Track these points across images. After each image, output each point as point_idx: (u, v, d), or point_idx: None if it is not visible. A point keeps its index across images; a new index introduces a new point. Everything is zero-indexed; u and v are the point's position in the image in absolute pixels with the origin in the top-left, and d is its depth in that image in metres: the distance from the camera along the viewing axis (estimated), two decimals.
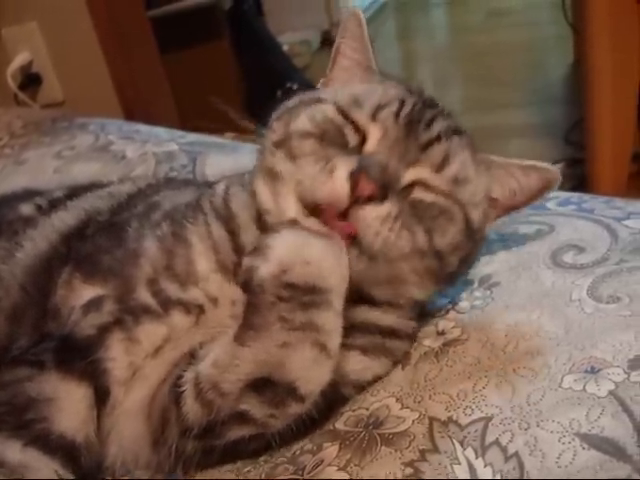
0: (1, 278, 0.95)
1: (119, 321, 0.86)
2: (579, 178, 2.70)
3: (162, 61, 2.76)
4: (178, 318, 0.88)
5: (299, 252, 0.75)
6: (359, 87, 0.92)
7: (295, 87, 3.66)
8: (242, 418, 0.79)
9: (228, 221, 0.93)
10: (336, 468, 0.79)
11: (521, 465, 0.71)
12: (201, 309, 0.88)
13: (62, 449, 0.79)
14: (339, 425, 0.85)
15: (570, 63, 3.89)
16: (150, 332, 0.87)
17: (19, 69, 2.59)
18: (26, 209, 1.08)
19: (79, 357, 0.84)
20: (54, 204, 1.07)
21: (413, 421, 0.81)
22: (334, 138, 0.86)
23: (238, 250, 0.89)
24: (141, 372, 0.86)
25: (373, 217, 0.79)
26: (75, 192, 1.11)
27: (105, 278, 0.89)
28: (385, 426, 0.82)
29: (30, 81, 2.61)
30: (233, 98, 3.53)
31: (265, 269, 0.75)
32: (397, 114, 0.86)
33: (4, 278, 0.95)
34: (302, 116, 0.89)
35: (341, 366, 0.83)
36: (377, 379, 0.89)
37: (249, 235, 0.90)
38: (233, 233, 0.92)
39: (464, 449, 0.75)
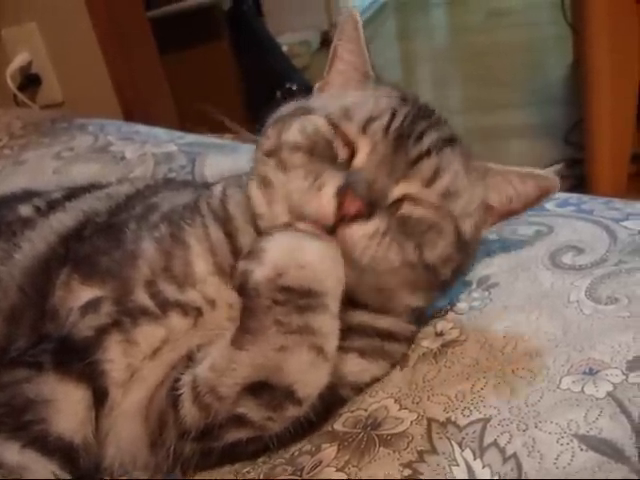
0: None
1: (117, 323, 0.86)
2: (578, 178, 2.71)
3: (161, 62, 2.75)
4: (176, 320, 0.88)
5: (294, 255, 0.75)
6: (351, 97, 0.91)
7: (294, 88, 3.67)
8: (240, 421, 0.79)
9: (225, 223, 0.93)
10: (334, 469, 0.79)
11: (519, 466, 0.71)
12: (199, 311, 0.88)
13: (60, 450, 0.79)
14: (338, 426, 0.85)
15: (569, 63, 3.89)
16: (148, 334, 0.87)
17: (18, 70, 2.58)
18: (25, 210, 1.07)
19: (77, 358, 0.84)
20: (52, 205, 1.07)
21: (411, 422, 0.81)
22: (323, 152, 0.85)
23: (236, 252, 0.89)
24: (139, 374, 0.86)
25: (360, 235, 0.79)
26: (73, 193, 1.11)
27: (103, 279, 0.89)
28: (383, 427, 0.82)
29: (29, 82, 2.61)
30: (232, 99, 3.53)
31: (260, 273, 0.75)
32: (387, 128, 0.85)
33: (2, 279, 0.95)
34: (293, 127, 0.88)
35: (339, 368, 0.83)
36: (375, 381, 0.89)
37: (247, 237, 0.90)
38: (231, 235, 0.92)
39: (462, 450, 0.75)
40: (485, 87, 3.98)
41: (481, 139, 3.37)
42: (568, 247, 0.99)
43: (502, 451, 0.73)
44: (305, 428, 0.82)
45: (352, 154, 0.85)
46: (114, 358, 0.85)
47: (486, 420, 0.77)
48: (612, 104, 2.42)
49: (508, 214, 0.94)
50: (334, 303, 0.76)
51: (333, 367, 0.78)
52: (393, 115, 0.86)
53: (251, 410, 0.77)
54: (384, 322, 0.90)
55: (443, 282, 0.90)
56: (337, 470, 0.79)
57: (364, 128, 0.85)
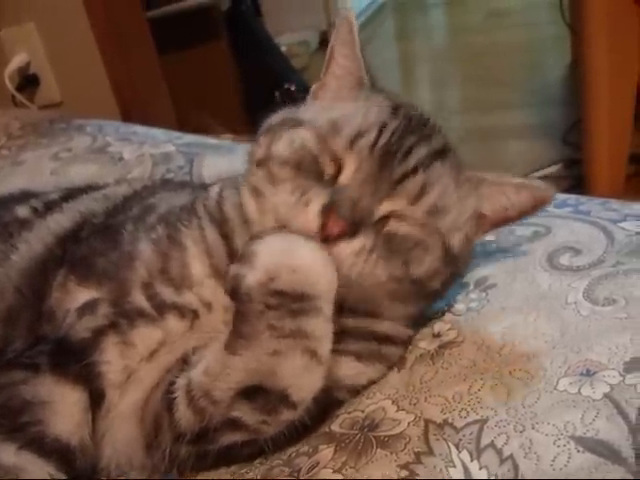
0: None
1: (114, 324, 0.86)
2: (576, 179, 2.71)
3: (160, 62, 2.75)
4: (173, 322, 0.88)
5: (285, 258, 0.75)
6: (340, 109, 0.89)
7: (293, 88, 3.66)
8: (234, 424, 0.79)
9: (222, 225, 0.93)
10: (331, 470, 0.79)
11: (516, 468, 0.71)
12: (195, 314, 0.88)
13: (57, 452, 0.79)
14: (335, 427, 0.85)
15: (568, 64, 3.89)
16: (145, 336, 0.87)
17: (17, 70, 2.58)
18: (22, 211, 1.07)
19: (74, 360, 0.84)
20: (49, 206, 1.07)
21: (408, 423, 0.81)
22: (310, 167, 0.85)
23: (232, 254, 0.89)
24: (135, 375, 0.86)
25: (346, 253, 0.80)
26: (71, 194, 1.11)
27: (100, 281, 0.89)
28: (381, 428, 0.82)
29: (28, 82, 2.61)
30: (231, 99, 3.54)
31: (252, 277, 0.75)
32: (373, 145, 0.84)
33: None
34: (282, 140, 0.88)
35: (335, 372, 0.84)
36: (372, 383, 0.89)
37: (243, 239, 0.89)
38: (227, 237, 0.92)
39: (459, 452, 0.75)
40: (484, 87, 3.98)
41: (480, 139, 3.38)
42: (565, 248, 0.99)
43: (499, 452, 0.73)
44: (300, 431, 0.82)
45: (339, 170, 0.84)
46: (111, 360, 0.85)
47: (483, 421, 0.77)
48: (610, 104, 2.43)
49: (502, 222, 0.93)
50: (327, 306, 0.76)
51: (329, 370, 0.79)
52: (381, 130, 0.85)
53: (245, 414, 0.78)
54: (381, 326, 0.90)
55: (434, 291, 0.90)
56: (334, 471, 0.79)
57: (351, 144, 0.84)
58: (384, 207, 0.83)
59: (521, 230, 1.05)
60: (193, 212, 0.95)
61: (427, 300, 0.92)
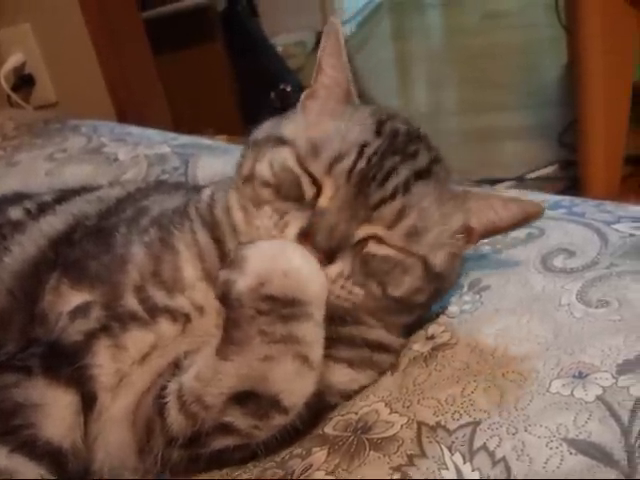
0: None
1: (106, 327, 0.86)
2: (572, 180, 2.72)
3: (156, 63, 2.76)
4: (165, 326, 0.88)
5: (276, 263, 0.75)
6: (322, 128, 0.88)
7: (288, 89, 3.66)
8: (226, 429, 0.79)
9: (213, 228, 0.93)
10: (324, 472, 0.79)
11: (508, 470, 0.71)
12: (187, 318, 0.88)
13: (49, 455, 0.79)
14: (328, 430, 0.85)
15: (564, 65, 3.89)
16: (137, 339, 0.87)
17: (12, 70, 2.59)
18: (15, 213, 1.07)
19: (66, 363, 0.84)
20: (42, 208, 1.07)
21: (402, 426, 0.81)
22: (291, 189, 0.85)
23: (224, 257, 0.89)
24: (128, 379, 0.86)
25: None
26: (64, 196, 1.11)
27: (92, 284, 0.89)
28: (374, 431, 0.82)
29: (23, 82, 2.62)
30: (226, 100, 3.53)
31: (242, 283, 0.75)
32: (351, 170, 0.83)
33: None
34: (264, 160, 0.88)
35: (327, 378, 0.84)
36: (363, 389, 0.89)
37: (234, 242, 0.90)
38: (219, 240, 0.92)
39: (452, 454, 0.75)
40: (480, 89, 3.98)
41: (476, 140, 3.38)
42: (559, 250, 0.99)
43: (491, 455, 0.73)
44: (293, 435, 0.82)
45: (319, 192, 0.84)
46: (103, 363, 0.85)
47: (476, 424, 0.77)
48: (605, 106, 2.43)
49: (490, 234, 0.93)
50: (318, 311, 0.77)
51: (321, 376, 0.79)
52: (361, 153, 0.84)
53: (237, 419, 0.78)
54: (373, 333, 0.90)
55: (420, 305, 0.90)
56: (327, 474, 0.79)
57: (329, 168, 0.84)
58: (362, 231, 0.83)
59: (515, 232, 1.04)
60: (185, 215, 0.95)
61: (413, 313, 0.92)
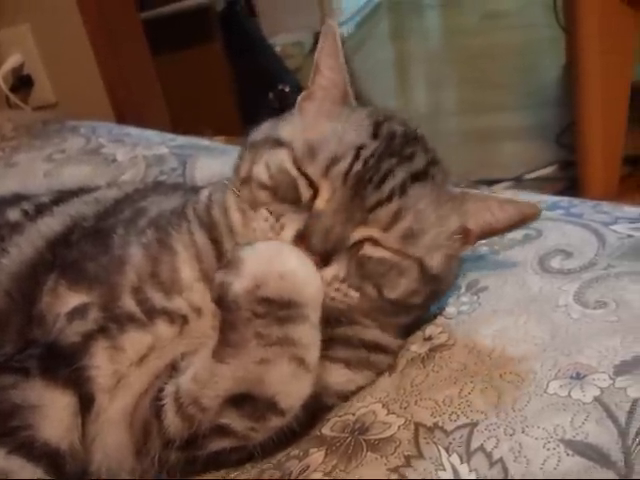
0: None
1: (104, 329, 0.86)
2: (571, 180, 2.72)
3: (155, 63, 2.75)
4: (162, 327, 0.88)
5: (272, 265, 0.75)
6: (319, 130, 0.88)
7: (287, 89, 3.66)
8: (223, 431, 0.79)
9: (211, 229, 0.93)
10: (322, 473, 0.79)
11: (506, 471, 0.71)
12: (185, 319, 0.88)
13: (46, 456, 0.79)
14: (325, 431, 0.85)
15: (562, 66, 3.89)
16: (135, 340, 0.87)
17: (10, 71, 2.58)
18: (13, 214, 1.07)
19: (64, 364, 0.84)
20: (40, 209, 1.07)
21: (399, 427, 0.81)
22: (287, 192, 0.85)
23: (221, 258, 0.89)
24: (125, 380, 0.86)
25: None
26: (61, 197, 1.11)
27: (90, 285, 0.89)
28: (371, 432, 0.82)
29: (22, 83, 2.61)
30: (225, 100, 3.53)
31: (239, 285, 0.75)
32: (347, 172, 0.83)
33: None
34: (261, 162, 0.88)
35: (324, 378, 0.84)
36: (360, 389, 0.89)
37: (232, 243, 0.90)
38: (216, 241, 0.92)
39: (449, 455, 0.75)
40: (479, 89, 3.98)
41: (475, 141, 3.38)
42: (557, 251, 0.99)
43: (489, 456, 0.73)
44: (289, 436, 0.82)
45: (316, 194, 0.84)
46: (100, 364, 0.85)
47: (473, 425, 0.77)
48: (604, 106, 2.43)
49: (487, 236, 0.93)
50: (314, 313, 0.77)
51: (318, 377, 0.79)
52: (357, 155, 0.84)
53: (234, 421, 0.78)
54: (370, 333, 0.90)
55: (418, 306, 0.90)
56: (324, 475, 0.79)
57: (326, 170, 0.84)
58: (358, 233, 0.83)
59: (512, 233, 1.04)
60: (183, 216, 0.95)
61: (410, 315, 0.92)
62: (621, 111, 2.46)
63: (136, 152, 1.68)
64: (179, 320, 0.88)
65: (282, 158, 0.87)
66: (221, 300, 0.76)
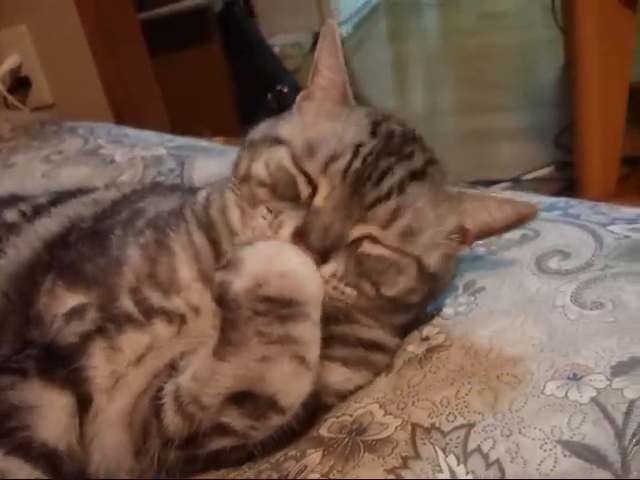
0: None
1: (101, 329, 0.86)
2: (569, 181, 2.72)
3: (153, 64, 2.75)
4: (160, 327, 0.88)
5: (273, 264, 0.75)
6: (318, 129, 0.88)
7: (285, 90, 3.67)
8: (223, 430, 0.79)
9: (209, 230, 0.93)
10: (319, 474, 0.79)
11: (502, 472, 0.71)
12: (183, 319, 0.88)
13: (44, 457, 0.79)
14: (323, 431, 0.85)
15: (560, 66, 3.90)
16: (133, 341, 0.87)
17: (8, 72, 2.58)
18: (10, 215, 1.07)
19: (61, 365, 0.84)
20: (38, 210, 1.07)
21: (396, 427, 0.81)
22: (286, 189, 0.85)
23: (219, 259, 0.89)
24: (123, 380, 0.86)
25: None
26: (59, 198, 1.11)
27: (88, 286, 0.89)
28: (368, 432, 0.82)
29: (20, 84, 2.61)
30: (223, 101, 3.53)
31: (239, 284, 0.75)
32: (346, 170, 0.83)
33: None
34: (260, 160, 0.88)
35: (323, 377, 0.84)
36: (358, 389, 0.90)
37: (230, 244, 0.90)
38: (214, 242, 0.92)
39: (446, 456, 0.75)
40: (477, 89, 3.98)
41: (472, 141, 3.39)
42: (554, 251, 1.00)
43: (485, 457, 0.73)
44: (289, 435, 0.82)
45: (315, 191, 0.85)
46: (98, 365, 0.85)
47: (470, 426, 0.77)
48: (602, 107, 2.44)
49: (485, 236, 0.93)
50: (315, 312, 0.77)
51: (317, 376, 0.79)
52: (356, 153, 0.84)
53: (234, 419, 0.78)
54: (367, 332, 0.90)
55: (414, 305, 0.91)
56: (322, 475, 0.79)
57: (325, 168, 0.84)
58: (357, 230, 0.84)
59: (510, 233, 1.05)
60: (181, 217, 0.95)
61: (407, 312, 0.92)
62: (619, 112, 2.46)
63: (134, 153, 1.68)
64: (177, 320, 0.88)
65: (281, 156, 0.87)
66: (221, 299, 0.76)
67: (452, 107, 4.27)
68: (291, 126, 0.92)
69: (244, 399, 0.76)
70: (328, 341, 0.81)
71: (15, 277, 0.95)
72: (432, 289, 0.90)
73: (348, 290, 0.83)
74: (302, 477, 0.80)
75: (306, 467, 0.81)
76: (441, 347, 0.90)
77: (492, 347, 0.86)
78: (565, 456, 0.70)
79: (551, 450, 0.71)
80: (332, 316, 0.84)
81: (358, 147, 0.85)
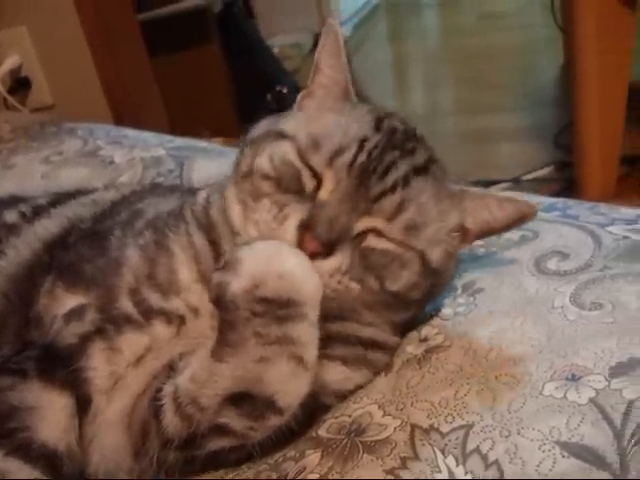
0: None
1: (101, 330, 0.86)
2: (568, 181, 2.72)
3: (152, 65, 2.76)
4: (160, 328, 0.88)
5: (271, 265, 0.75)
6: (322, 123, 0.89)
7: (285, 90, 3.67)
8: (222, 430, 0.79)
9: (209, 230, 0.93)
10: (318, 475, 0.79)
11: (501, 473, 0.71)
12: (182, 320, 0.88)
13: (44, 458, 0.79)
14: (322, 432, 0.85)
15: (560, 66, 3.90)
16: (132, 341, 0.87)
17: (8, 73, 2.58)
18: (10, 216, 1.07)
19: (61, 366, 0.83)
20: (38, 211, 1.07)
21: (395, 428, 0.81)
22: (290, 183, 0.86)
23: (219, 260, 0.89)
24: (123, 381, 0.86)
25: (320, 272, 0.80)
26: (59, 199, 1.11)
27: (87, 287, 0.89)
28: (367, 433, 0.82)
29: (19, 85, 2.61)
30: (223, 101, 3.53)
31: (237, 284, 0.75)
32: (352, 163, 0.84)
33: None
34: (264, 154, 0.88)
35: (321, 376, 0.84)
36: (358, 388, 0.89)
37: (230, 244, 0.90)
38: (214, 243, 0.92)
39: (445, 457, 0.75)
40: (476, 89, 3.98)
41: (472, 141, 3.39)
42: (553, 252, 1.00)
43: (484, 458, 0.73)
44: (288, 436, 0.82)
45: (319, 184, 0.85)
46: (97, 366, 0.85)
47: (469, 427, 0.77)
48: (601, 106, 2.44)
49: (485, 235, 0.94)
50: (313, 312, 0.77)
51: (315, 376, 0.79)
52: (361, 146, 0.85)
53: (233, 420, 0.78)
54: (367, 331, 0.90)
55: (416, 301, 0.91)
56: (320, 476, 0.79)
57: (330, 161, 0.84)
58: (362, 223, 0.84)
59: (509, 234, 1.05)
60: (181, 218, 0.95)
61: (408, 309, 0.92)
62: (619, 111, 2.46)
63: (133, 154, 1.68)
64: (176, 321, 0.88)
65: (285, 150, 0.88)
66: (219, 300, 0.76)
67: (452, 107, 4.27)
68: (295, 121, 0.92)
69: (242, 400, 0.76)
70: (327, 340, 0.81)
71: (15, 278, 0.95)
72: (433, 286, 0.90)
73: (353, 284, 0.83)
74: (301, 478, 0.80)
75: (305, 468, 0.81)
76: (440, 348, 0.90)
77: (491, 348, 0.87)
78: (564, 457, 0.70)
79: (550, 451, 0.71)
80: (332, 314, 0.84)
81: (363, 141, 0.86)
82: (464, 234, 0.91)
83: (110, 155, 1.70)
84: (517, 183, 2.81)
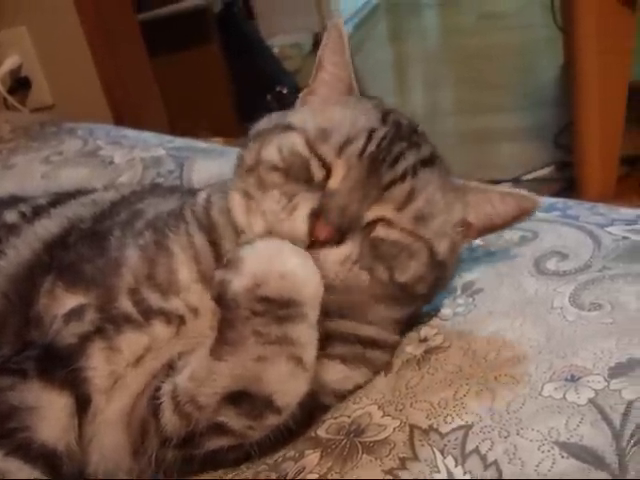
0: None
1: (100, 330, 0.86)
2: (568, 181, 2.72)
3: (152, 65, 2.76)
4: (159, 328, 0.88)
5: (273, 264, 0.75)
6: (330, 115, 0.89)
7: (285, 91, 3.67)
8: (220, 429, 0.79)
9: (210, 231, 0.93)
10: (317, 475, 0.79)
11: (500, 473, 0.71)
12: (182, 319, 0.88)
13: (43, 458, 0.79)
14: (321, 432, 0.85)
15: (560, 65, 3.90)
16: (131, 341, 0.87)
17: (8, 73, 2.59)
18: (10, 216, 1.07)
19: (60, 366, 0.83)
20: (38, 212, 1.07)
21: (394, 429, 0.81)
22: (299, 173, 0.85)
23: (220, 260, 0.89)
24: (122, 381, 0.86)
25: (331, 260, 0.80)
26: (59, 199, 1.11)
27: (87, 287, 0.89)
28: (366, 434, 0.82)
29: (19, 85, 2.62)
30: (223, 102, 3.54)
31: (238, 283, 0.75)
32: (362, 152, 0.84)
33: None
34: (271, 146, 0.88)
35: (321, 376, 0.84)
36: (358, 388, 0.90)
37: (231, 245, 0.90)
38: (215, 243, 0.92)
39: (444, 457, 0.75)
40: (476, 89, 3.98)
41: (472, 142, 3.39)
42: (552, 253, 1.00)
43: (483, 458, 0.73)
44: (286, 435, 0.82)
45: (328, 174, 0.85)
46: (97, 365, 0.85)
47: (468, 427, 0.77)
48: (601, 106, 2.43)
49: (487, 230, 0.93)
50: (313, 312, 0.77)
51: (315, 375, 0.79)
52: (369, 137, 0.86)
53: (231, 419, 0.78)
54: (366, 330, 0.90)
55: (420, 296, 0.91)
56: (320, 476, 0.79)
57: (340, 151, 0.85)
58: (372, 212, 0.84)
59: (508, 235, 1.06)
60: (181, 218, 0.95)
61: (413, 305, 0.93)
62: (619, 111, 2.46)
63: (133, 154, 1.69)
64: (176, 320, 0.88)
65: (294, 141, 0.88)
66: (220, 298, 0.76)
67: (452, 107, 4.27)
68: (301, 114, 0.93)
69: (241, 399, 0.77)
70: (326, 339, 0.81)
71: (15, 278, 0.95)
72: (437, 280, 0.90)
73: (363, 274, 0.83)
74: (300, 478, 0.80)
75: (304, 468, 0.81)
76: (439, 348, 0.90)
77: (490, 348, 0.87)
78: (563, 457, 0.70)
79: (549, 451, 0.71)
80: (332, 310, 0.84)
81: (371, 132, 0.86)
82: (467, 229, 0.92)
83: (110, 155, 1.71)
84: (517, 183, 2.81)
